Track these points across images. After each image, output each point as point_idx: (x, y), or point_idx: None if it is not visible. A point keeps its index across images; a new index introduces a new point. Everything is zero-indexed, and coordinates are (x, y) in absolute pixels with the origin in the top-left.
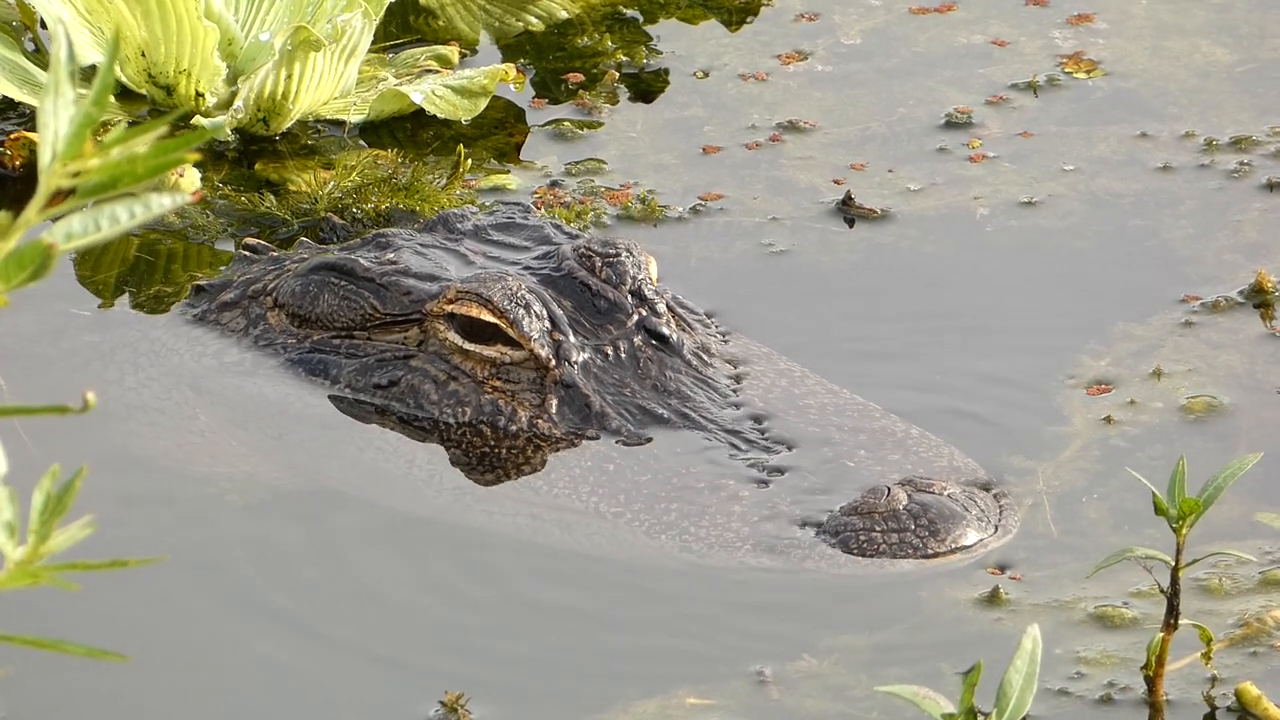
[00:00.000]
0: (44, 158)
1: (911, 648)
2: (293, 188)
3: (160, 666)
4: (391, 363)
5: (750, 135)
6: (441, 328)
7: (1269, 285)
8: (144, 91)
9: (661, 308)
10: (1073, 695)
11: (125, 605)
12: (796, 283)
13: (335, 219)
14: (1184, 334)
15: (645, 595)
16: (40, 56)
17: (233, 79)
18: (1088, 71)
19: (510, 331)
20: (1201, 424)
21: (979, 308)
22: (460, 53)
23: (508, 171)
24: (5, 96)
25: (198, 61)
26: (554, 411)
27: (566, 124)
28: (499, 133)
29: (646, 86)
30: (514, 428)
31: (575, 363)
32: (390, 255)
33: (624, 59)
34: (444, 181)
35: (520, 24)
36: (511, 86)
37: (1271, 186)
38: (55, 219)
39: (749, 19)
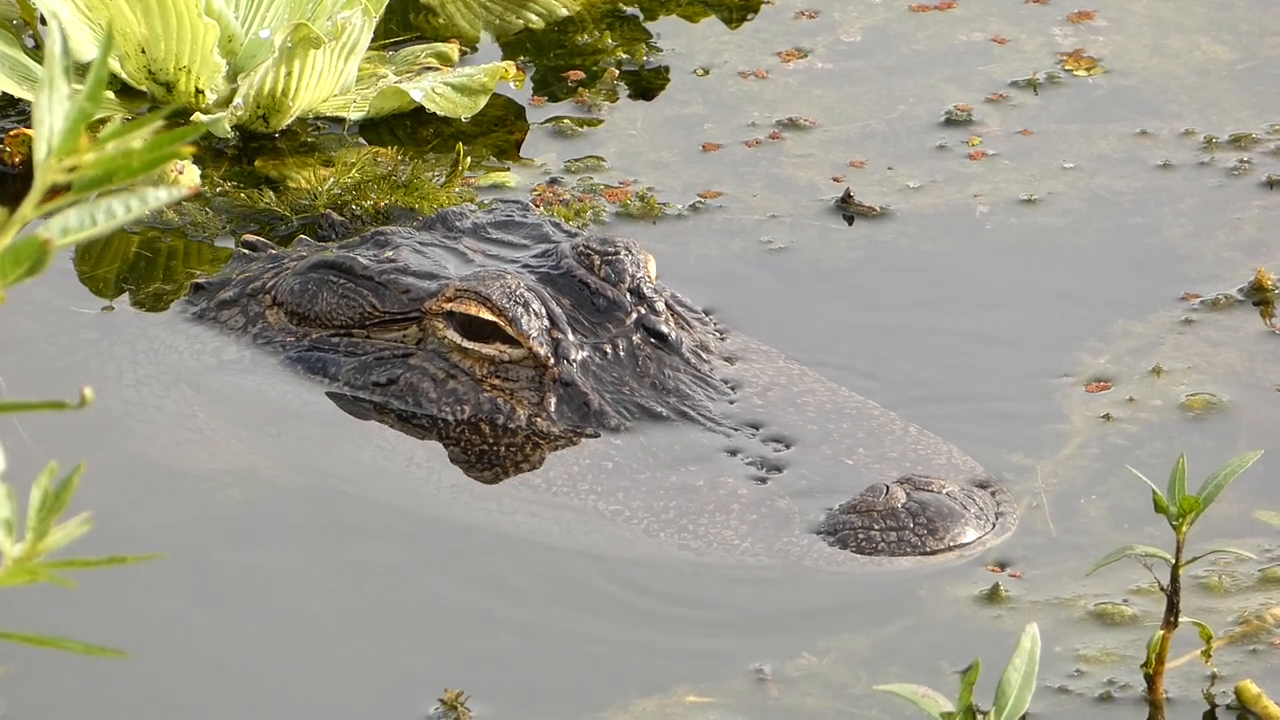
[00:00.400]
0: (39, 153)
1: (911, 646)
2: (292, 185)
3: (159, 664)
4: (390, 361)
5: (750, 133)
6: (440, 326)
7: (1269, 283)
8: (144, 88)
9: (660, 306)
10: (1072, 693)
11: (124, 602)
12: (795, 280)
13: (334, 215)
14: (1184, 332)
15: (644, 593)
16: (40, 53)
17: (233, 76)
18: (1088, 69)
19: (509, 330)
20: (1201, 422)
21: (978, 305)
22: (460, 50)
23: (507, 169)
24: (7, 95)
25: (198, 58)
26: (553, 409)
27: (566, 121)
28: (499, 130)
29: (646, 84)
30: (513, 426)
31: (574, 361)
32: (389, 253)
33: (624, 56)
34: (443, 179)
35: (520, 21)
36: (512, 84)
37: (1271, 184)
38: (52, 214)
39: (749, 16)
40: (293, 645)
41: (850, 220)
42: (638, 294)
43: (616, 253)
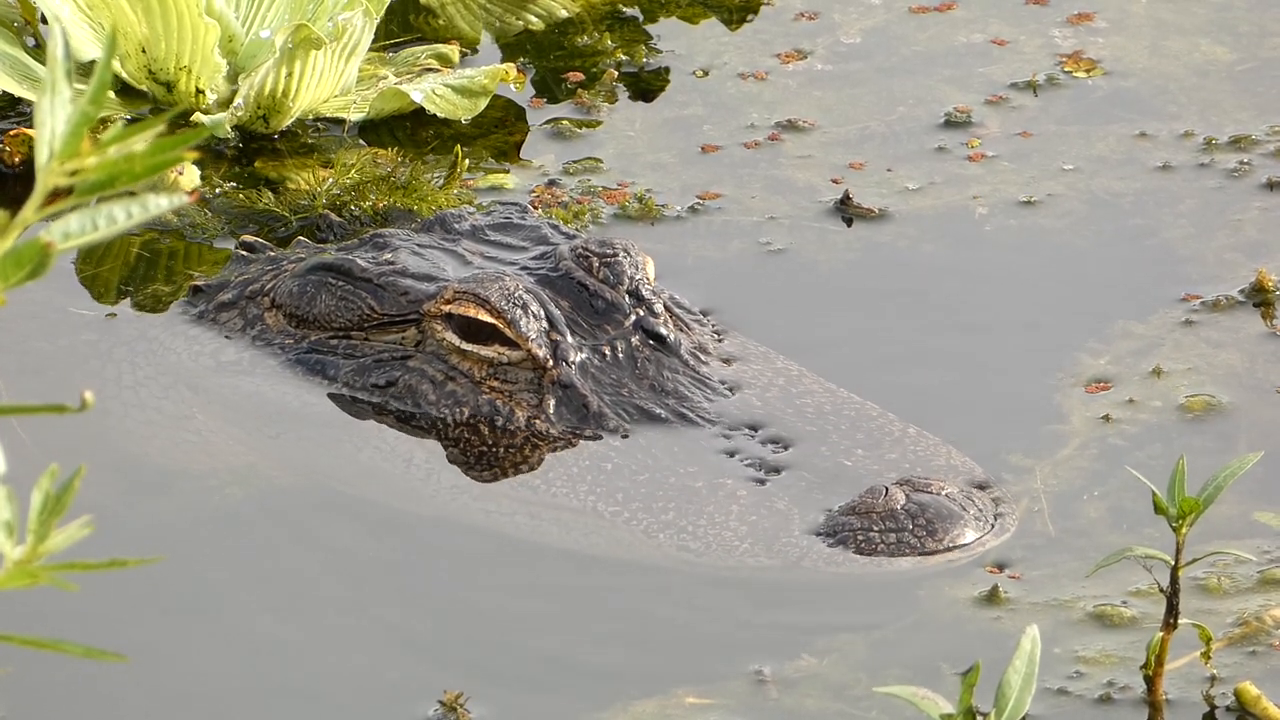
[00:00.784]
0: (41, 156)
1: (910, 647)
2: (291, 186)
3: (158, 665)
4: (389, 363)
5: (749, 134)
6: (439, 328)
7: (1269, 284)
8: (144, 88)
9: (659, 308)
10: (1072, 695)
11: (123, 603)
12: (794, 282)
13: (332, 216)
14: (1184, 333)
15: (643, 594)
16: (41, 52)
17: (233, 76)
18: (1087, 71)
19: (508, 332)
20: (1201, 423)
21: (977, 307)
22: (460, 51)
23: (506, 171)
24: (8, 95)
25: (198, 58)
26: (551, 411)
27: (565, 123)
28: (498, 131)
29: (646, 85)
30: (512, 427)
31: (573, 363)
32: (388, 255)
33: (624, 58)
34: (442, 181)
35: (520, 23)
36: (512, 86)
37: (1271, 185)
38: (53, 217)
39: (749, 18)
40: (292, 646)
41: (849, 222)
42: (636, 296)
43: (615, 255)
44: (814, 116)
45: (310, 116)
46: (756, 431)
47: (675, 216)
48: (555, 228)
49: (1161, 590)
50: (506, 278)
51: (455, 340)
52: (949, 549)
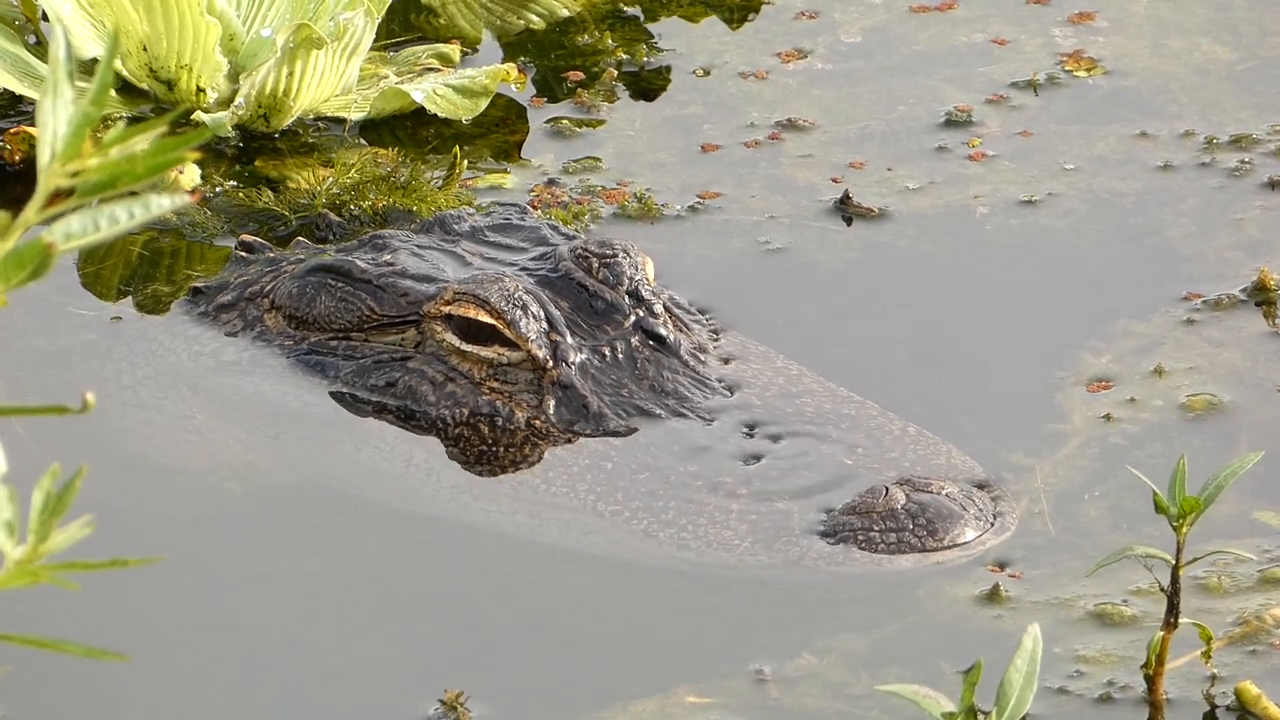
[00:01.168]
0: (43, 157)
1: (910, 646)
2: (292, 185)
3: (158, 665)
4: (389, 364)
5: (749, 133)
6: (439, 329)
7: (1271, 283)
8: (145, 86)
9: (659, 308)
10: (1072, 694)
11: (122, 603)
12: (794, 281)
13: (331, 215)
14: (1185, 332)
15: (643, 593)
16: (42, 49)
17: (234, 75)
18: (1088, 70)
19: (507, 332)
20: (1202, 422)
21: (977, 306)
22: (461, 51)
23: (506, 171)
24: (10, 94)
25: (199, 57)
26: (551, 412)
27: (565, 122)
28: (499, 131)
29: (647, 84)
30: (511, 427)
31: (573, 363)
32: (387, 257)
33: (624, 57)
34: (442, 181)
35: (521, 22)
36: (513, 86)
37: (1273, 184)
38: (55, 218)
39: (750, 17)
40: (292, 645)
41: (849, 221)
42: (636, 296)
43: (615, 255)
44: (814, 116)
45: (311, 116)
46: (756, 431)
47: (675, 216)
48: (555, 229)
49: (1162, 589)
50: (506, 278)
51: (455, 341)
52: (949, 548)
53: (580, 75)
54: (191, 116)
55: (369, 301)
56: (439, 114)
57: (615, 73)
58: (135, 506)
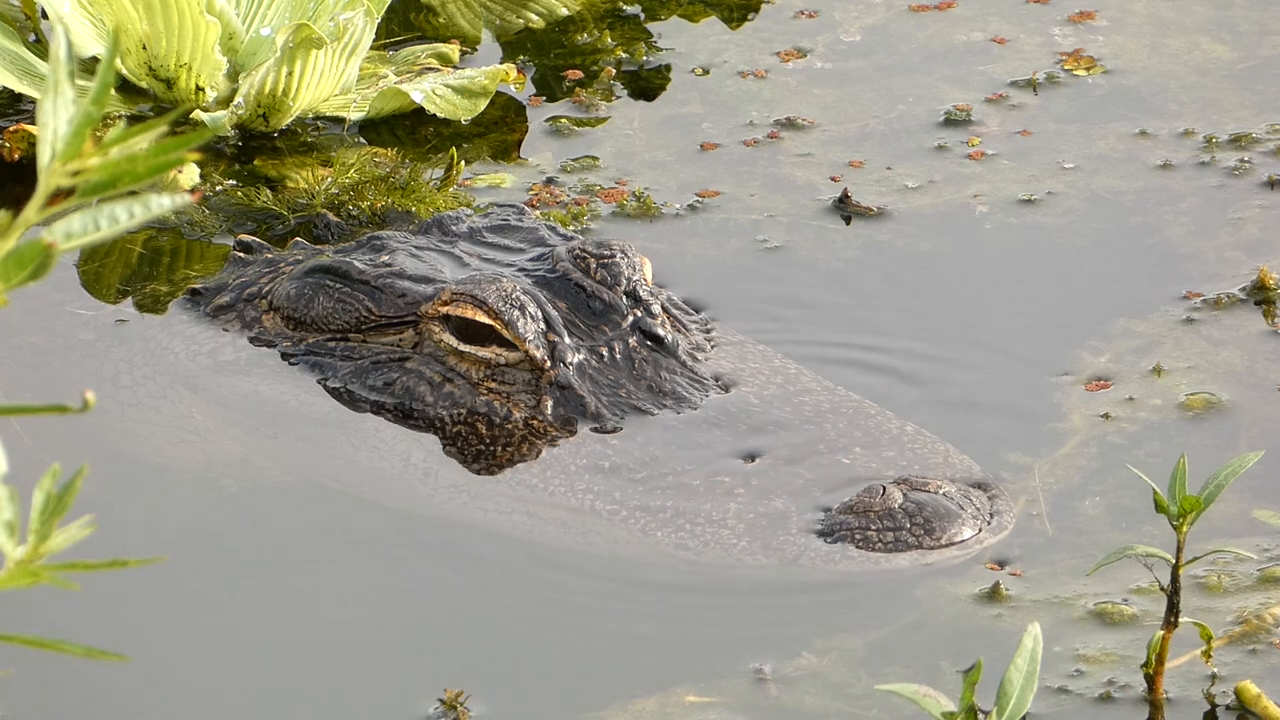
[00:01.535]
0: (43, 157)
1: (909, 645)
2: (291, 184)
3: (158, 665)
4: (387, 365)
5: (748, 132)
6: (436, 329)
7: (1271, 282)
8: (144, 85)
9: (656, 309)
10: (1072, 693)
11: (122, 603)
12: (793, 280)
13: (330, 216)
14: (1184, 331)
15: (642, 593)
16: (41, 48)
17: (233, 74)
18: (1087, 69)
19: (505, 333)
20: (1201, 421)
21: (976, 305)
22: (461, 50)
23: (505, 171)
24: (9, 92)
25: (199, 56)
26: (549, 412)
27: (564, 121)
28: (498, 130)
29: (646, 83)
30: (509, 427)
31: (570, 364)
32: (385, 258)
33: (624, 56)
34: (439, 182)
35: (521, 21)
36: (512, 87)
37: (1272, 184)
38: (55, 218)
39: (749, 16)
40: (292, 645)
41: (848, 220)
42: (634, 297)
43: (612, 256)
44: (813, 115)
45: (310, 115)
46: (754, 430)
47: (674, 215)
48: (553, 229)
49: (1162, 588)
50: (504, 279)
51: (453, 342)
52: (947, 546)
53: (579, 74)
54: (191, 115)
55: (367, 302)
56: (438, 114)
57: (614, 71)
58: (134, 506)
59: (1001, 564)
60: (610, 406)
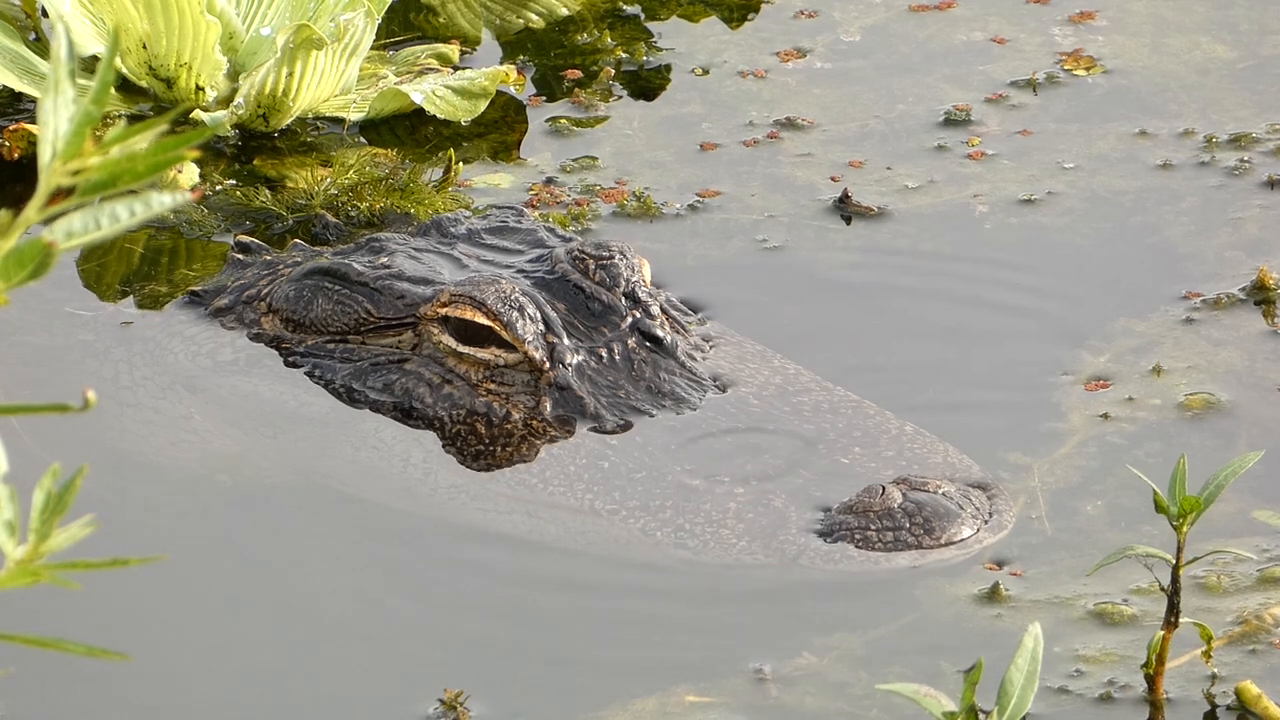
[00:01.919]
0: (44, 156)
1: (909, 645)
2: (290, 184)
3: (158, 665)
4: (386, 366)
5: (748, 132)
6: (435, 331)
7: (1270, 282)
8: (144, 84)
9: (655, 310)
10: (1073, 693)
11: (121, 603)
12: (793, 280)
13: (328, 216)
14: (1184, 330)
15: (642, 593)
16: (41, 46)
17: (233, 74)
18: (1087, 69)
19: (504, 334)
20: (1201, 421)
21: (977, 305)
22: (461, 50)
23: (504, 171)
24: (10, 91)
25: (199, 55)
26: (548, 413)
27: (564, 121)
28: (498, 130)
29: (646, 83)
30: (508, 428)
31: (569, 365)
32: (384, 259)
33: (624, 56)
34: (438, 184)
35: (521, 21)
36: (512, 87)
37: (1272, 183)
38: (55, 217)
39: (749, 16)
40: (292, 645)
41: (848, 220)
42: (633, 298)
43: (611, 257)
44: (813, 114)
45: (310, 115)
46: (753, 430)
47: (674, 215)
48: (551, 231)
49: (1162, 589)
50: (503, 280)
51: (452, 343)
52: (946, 546)
53: (579, 74)
54: (191, 115)
55: (366, 304)
56: (438, 115)
57: (613, 71)
58: (133, 506)
59: (1001, 564)
60: (609, 407)
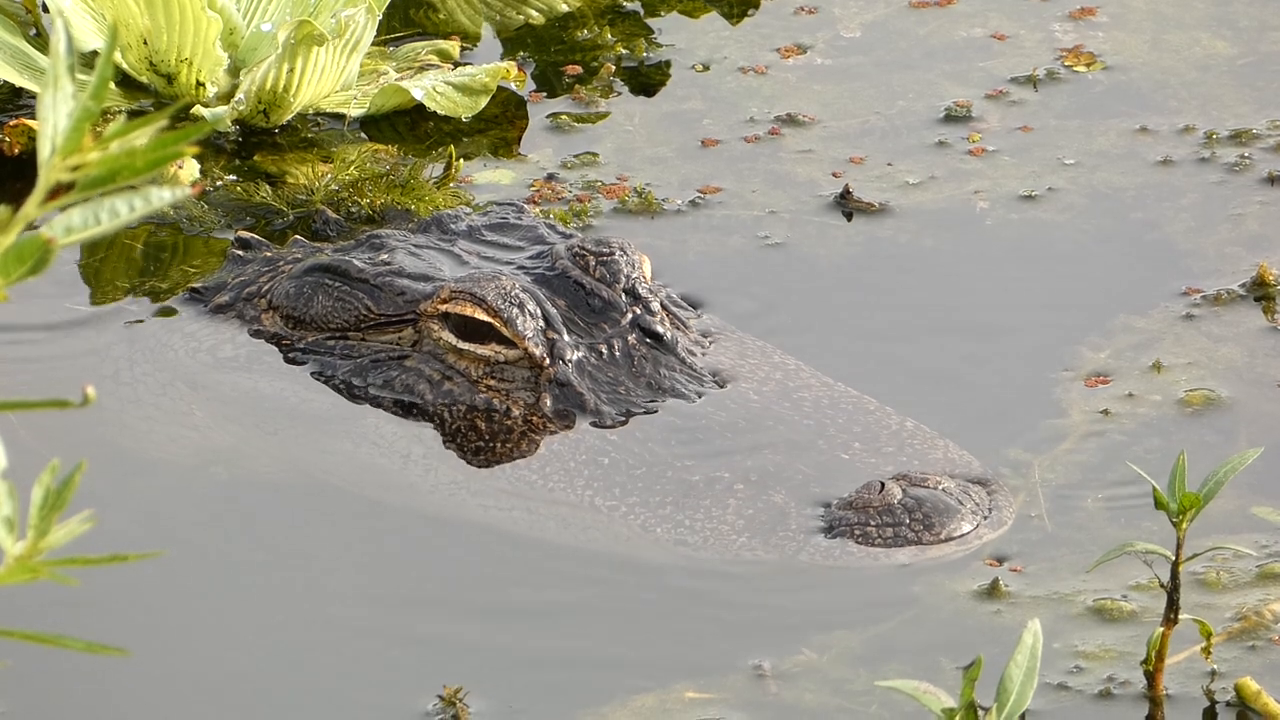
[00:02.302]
0: (43, 151)
1: (909, 641)
2: (291, 180)
3: (157, 662)
4: (386, 363)
5: (749, 128)
6: (436, 327)
7: (1270, 278)
8: (145, 80)
9: (655, 306)
10: (1072, 689)
11: (121, 599)
12: (794, 276)
13: (329, 212)
14: (1184, 327)
15: (642, 589)
16: (42, 42)
17: (234, 69)
18: (1087, 65)
19: (504, 330)
20: (1201, 417)
21: (977, 301)
22: (461, 46)
23: (505, 167)
24: (10, 87)
25: (199, 51)
26: (548, 409)
27: (564, 117)
28: (499, 126)
29: (646, 79)
30: (509, 424)
31: (569, 361)
32: (384, 256)
33: (624, 52)
34: (439, 179)
35: (521, 17)
36: (513, 84)
37: (1272, 180)
38: (55, 213)
39: (749, 12)
40: (292, 642)
41: (849, 216)
42: (633, 294)
43: (611, 253)
44: (814, 111)
45: (311, 111)
46: (753, 426)
47: (675, 211)
48: (551, 227)
49: (1161, 585)
50: (503, 277)
51: (452, 339)
52: (946, 541)
53: (579, 70)
54: (191, 111)
55: (366, 301)
56: (439, 112)
57: (613, 67)
58: (133, 502)
59: (1001, 560)
60: (609, 403)
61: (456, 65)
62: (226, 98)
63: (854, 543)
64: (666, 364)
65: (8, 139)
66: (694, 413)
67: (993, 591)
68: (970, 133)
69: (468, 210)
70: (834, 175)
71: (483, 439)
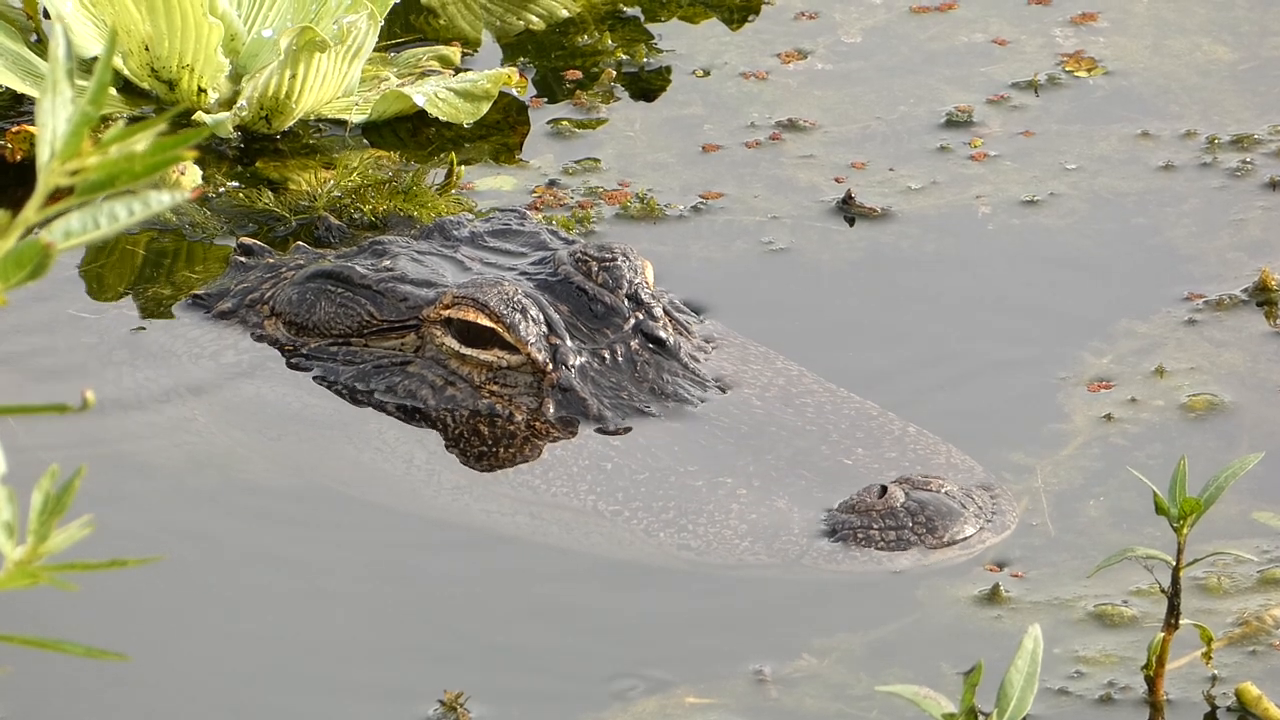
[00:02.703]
0: (42, 155)
1: (910, 646)
2: (293, 186)
3: (158, 665)
4: (389, 369)
5: (750, 134)
6: (438, 333)
7: (1273, 283)
8: (146, 86)
9: (658, 311)
10: (1072, 695)
11: (122, 603)
12: (796, 282)
13: (331, 219)
14: (1186, 332)
15: (644, 593)
16: (43, 48)
17: (235, 76)
18: (1089, 70)
19: (507, 336)
20: (1203, 422)
21: (979, 306)
22: (462, 52)
23: (506, 173)
24: (11, 93)
25: (201, 57)
26: (551, 414)
27: (565, 123)
28: (500, 132)
29: (647, 85)
30: (511, 429)
31: (572, 366)
32: (386, 262)
33: (624, 57)
34: (440, 185)
35: (521, 23)
36: (514, 90)
37: (1274, 185)
38: (54, 217)
39: (750, 17)
40: (293, 645)
41: (851, 221)
42: (635, 300)
43: (614, 259)
44: (815, 116)
45: (312, 117)
46: (756, 431)
47: (677, 216)
48: (554, 233)
49: (1162, 590)
50: (505, 282)
51: (455, 345)
52: (949, 545)
53: (580, 76)
54: (193, 117)
55: (369, 307)
56: (440, 118)
57: (614, 73)
58: (134, 507)
59: (1002, 565)
60: (612, 408)
61: (458, 71)
62: (228, 104)
63: (857, 547)
64: (669, 369)
65: (9, 145)
66: (697, 418)
67: (993, 596)
68: (972, 138)
69: (470, 216)
70: (836, 180)
71: (486, 444)
